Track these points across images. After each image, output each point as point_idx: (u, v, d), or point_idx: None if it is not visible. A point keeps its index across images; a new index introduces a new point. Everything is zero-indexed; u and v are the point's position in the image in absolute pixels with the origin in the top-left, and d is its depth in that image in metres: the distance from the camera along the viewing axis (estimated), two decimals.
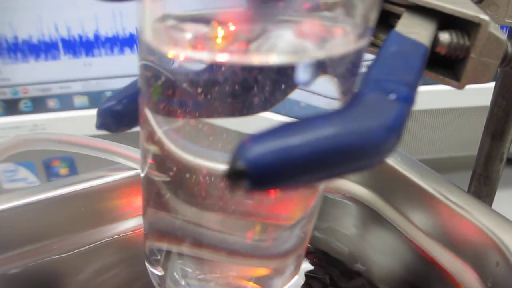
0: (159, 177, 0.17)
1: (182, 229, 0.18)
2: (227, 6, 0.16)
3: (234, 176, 0.11)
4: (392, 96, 0.13)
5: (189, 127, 0.16)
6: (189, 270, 0.19)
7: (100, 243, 0.28)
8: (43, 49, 0.51)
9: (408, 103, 0.14)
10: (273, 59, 0.15)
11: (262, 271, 0.19)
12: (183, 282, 0.20)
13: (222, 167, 0.14)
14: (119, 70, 0.53)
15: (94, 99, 0.55)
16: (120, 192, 0.28)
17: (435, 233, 0.25)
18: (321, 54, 0.15)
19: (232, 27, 0.16)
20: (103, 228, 0.28)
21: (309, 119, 0.12)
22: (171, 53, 0.15)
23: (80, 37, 0.51)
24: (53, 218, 0.27)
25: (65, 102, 0.55)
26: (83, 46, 0.52)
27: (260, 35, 0.15)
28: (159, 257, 0.20)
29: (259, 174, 0.11)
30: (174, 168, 0.16)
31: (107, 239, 0.28)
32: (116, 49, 0.52)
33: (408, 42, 0.17)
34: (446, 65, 0.20)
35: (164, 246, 0.19)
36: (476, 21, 0.18)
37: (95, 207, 0.27)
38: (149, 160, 0.17)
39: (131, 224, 0.28)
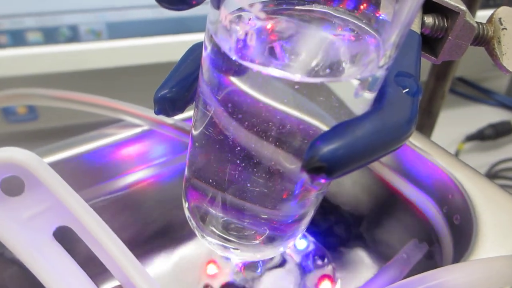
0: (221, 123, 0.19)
1: (225, 173, 0.20)
2: None
3: (313, 170, 0.15)
4: (407, 91, 0.18)
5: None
6: (215, 213, 0.23)
7: (108, 197, 0.31)
8: None
9: (418, 95, 0.18)
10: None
11: (278, 226, 0.23)
12: (211, 227, 0.24)
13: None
14: (75, 4, 0.51)
15: (49, 34, 0.53)
16: (127, 148, 0.30)
17: (401, 171, 0.31)
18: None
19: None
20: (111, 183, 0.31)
21: (356, 120, 0.16)
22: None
23: None
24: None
25: (18, 38, 0.53)
26: None
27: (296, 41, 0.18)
28: (197, 204, 0.23)
29: (333, 167, 0.15)
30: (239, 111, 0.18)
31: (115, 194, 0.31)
32: None
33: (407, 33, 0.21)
34: (425, 42, 0.25)
35: (203, 194, 0.22)
36: (456, 10, 0.22)
37: (103, 163, 0.30)
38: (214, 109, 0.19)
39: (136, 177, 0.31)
